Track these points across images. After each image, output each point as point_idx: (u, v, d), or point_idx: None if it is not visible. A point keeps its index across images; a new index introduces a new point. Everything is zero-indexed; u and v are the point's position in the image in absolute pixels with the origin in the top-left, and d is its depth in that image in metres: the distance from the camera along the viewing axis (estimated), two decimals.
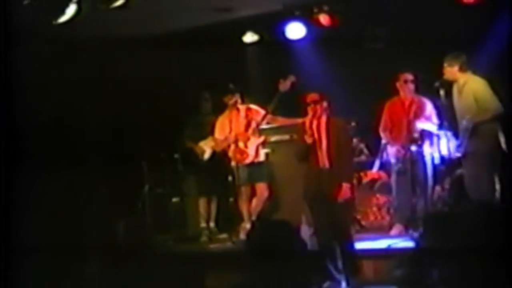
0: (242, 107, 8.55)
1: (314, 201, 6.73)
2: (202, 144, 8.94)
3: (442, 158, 7.69)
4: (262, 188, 8.36)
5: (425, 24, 8.43)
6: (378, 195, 8.61)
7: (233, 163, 8.34)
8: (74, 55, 8.84)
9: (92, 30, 8.69)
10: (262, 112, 8.37)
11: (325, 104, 6.75)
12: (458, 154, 7.38)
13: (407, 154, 7.83)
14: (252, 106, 8.56)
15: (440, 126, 7.64)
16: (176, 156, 9.15)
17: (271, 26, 9.47)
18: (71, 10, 7.83)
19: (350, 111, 8.28)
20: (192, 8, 8.76)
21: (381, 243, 7.54)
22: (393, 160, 8.07)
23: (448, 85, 7.49)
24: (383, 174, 8.64)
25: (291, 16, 9.29)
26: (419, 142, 7.78)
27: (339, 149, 6.67)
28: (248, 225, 8.02)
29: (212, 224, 9.00)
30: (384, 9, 8.71)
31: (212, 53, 9.16)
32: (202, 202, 8.97)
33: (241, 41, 9.85)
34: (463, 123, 7.27)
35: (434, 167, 7.83)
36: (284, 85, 8.17)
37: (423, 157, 7.80)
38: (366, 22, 9.05)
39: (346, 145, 6.93)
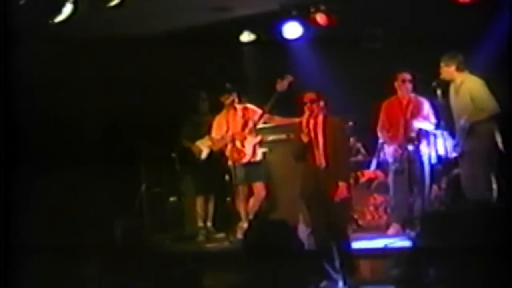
0: (239, 107, 8.55)
1: (311, 201, 6.73)
2: (199, 143, 8.94)
3: (439, 157, 7.69)
4: (259, 188, 8.37)
5: (422, 24, 8.43)
6: (375, 195, 8.60)
7: (230, 163, 8.34)
8: (72, 55, 8.84)
9: (90, 30, 8.69)
10: (259, 111, 8.38)
11: (322, 103, 6.75)
12: (455, 154, 7.40)
13: (404, 153, 7.84)
14: (249, 105, 8.56)
15: (437, 126, 7.65)
16: (173, 155, 9.15)
17: (268, 26, 9.46)
18: (67, 9, 7.83)
19: (347, 111, 8.28)
20: (189, 8, 8.75)
21: (378, 243, 7.54)
22: (390, 160, 8.07)
23: (445, 85, 7.50)
24: (380, 174, 8.63)
25: (288, 16, 9.29)
26: (416, 142, 7.79)
27: (336, 149, 6.67)
28: (245, 225, 8.03)
29: (209, 224, 9.00)
30: (381, 8, 8.71)
31: (209, 52, 9.15)
32: (199, 202, 8.97)
33: (238, 41, 9.85)
34: (460, 123, 7.28)
35: (431, 166, 7.83)
36: (282, 85, 8.17)
37: (420, 156, 7.80)
38: (363, 21, 9.04)
39: (343, 144, 6.93)
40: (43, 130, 8.48)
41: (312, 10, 9.13)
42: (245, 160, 8.33)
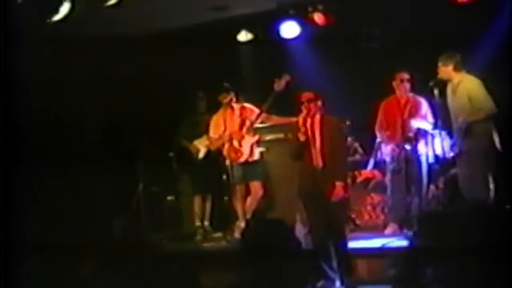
0: (236, 106, 8.54)
1: (308, 200, 6.74)
2: (196, 142, 8.94)
3: (436, 157, 7.70)
4: (256, 187, 8.36)
5: (420, 23, 8.43)
6: (372, 194, 8.61)
7: (227, 162, 8.34)
8: (70, 54, 8.83)
9: (88, 30, 8.67)
10: (257, 110, 8.37)
11: (319, 102, 6.76)
12: (453, 154, 7.40)
13: (402, 153, 7.84)
14: (247, 104, 8.56)
15: (435, 126, 7.66)
16: (170, 154, 9.14)
17: (265, 25, 9.46)
18: (65, 8, 7.82)
19: (344, 110, 8.29)
20: (186, 7, 8.75)
21: (376, 242, 7.55)
22: (387, 159, 8.07)
23: (443, 85, 7.49)
24: (377, 173, 8.64)
25: (285, 15, 9.29)
26: (414, 141, 7.79)
27: (333, 148, 6.67)
28: (242, 224, 8.02)
29: (206, 223, 8.99)
30: (379, 8, 8.71)
31: (207, 51, 9.15)
32: (196, 201, 8.97)
33: (236, 40, 9.85)
34: (458, 123, 7.28)
35: (429, 166, 7.84)
36: (279, 84, 8.17)
37: (417, 156, 7.81)
38: (361, 21, 9.05)
39: (340, 144, 6.94)
40: (41, 130, 8.47)
41: (310, 9, 9.13)
42: (242, 159, 8.32)
